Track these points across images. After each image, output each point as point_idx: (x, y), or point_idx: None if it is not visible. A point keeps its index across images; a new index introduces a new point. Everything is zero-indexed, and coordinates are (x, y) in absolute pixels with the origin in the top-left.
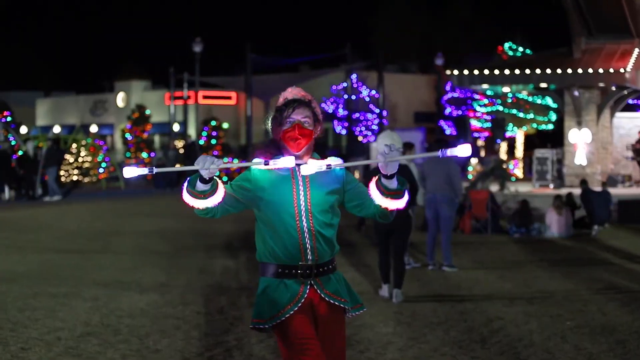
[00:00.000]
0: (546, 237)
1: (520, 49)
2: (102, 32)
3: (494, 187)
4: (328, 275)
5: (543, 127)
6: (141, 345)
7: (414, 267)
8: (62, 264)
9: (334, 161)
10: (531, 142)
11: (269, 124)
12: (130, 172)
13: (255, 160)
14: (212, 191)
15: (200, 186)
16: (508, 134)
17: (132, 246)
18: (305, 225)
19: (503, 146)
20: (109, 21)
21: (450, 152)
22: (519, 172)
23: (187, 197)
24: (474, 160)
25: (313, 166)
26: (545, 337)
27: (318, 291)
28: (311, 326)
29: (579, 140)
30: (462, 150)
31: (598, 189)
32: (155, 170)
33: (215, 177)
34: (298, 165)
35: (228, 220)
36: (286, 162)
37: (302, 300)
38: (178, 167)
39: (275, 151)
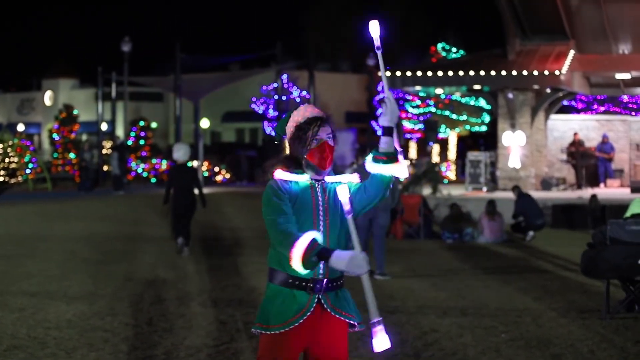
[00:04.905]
0: (479, 243)
1: (454, 49)
2: (30, 29)
3: (427, 191)
4: (335, 291)
5: (476, 129)
6: None
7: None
8: None
9: (350, 177)
10: (464, 144)
11: (287, 140)
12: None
13: None
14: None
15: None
16: (441, 136)
17: (60, 252)
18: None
19: (435, 148)
20: (37, 18)
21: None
22: (451, 174)
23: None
24: (405, 163)
25: (344, 193)
26: (479, 351)
27: (325, 306)
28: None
29: (513, 142)
30: (400, 171)
31: (531, 192)
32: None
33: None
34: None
35: (156, 223)
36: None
37: (308, 314)
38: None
39: (295, 166)
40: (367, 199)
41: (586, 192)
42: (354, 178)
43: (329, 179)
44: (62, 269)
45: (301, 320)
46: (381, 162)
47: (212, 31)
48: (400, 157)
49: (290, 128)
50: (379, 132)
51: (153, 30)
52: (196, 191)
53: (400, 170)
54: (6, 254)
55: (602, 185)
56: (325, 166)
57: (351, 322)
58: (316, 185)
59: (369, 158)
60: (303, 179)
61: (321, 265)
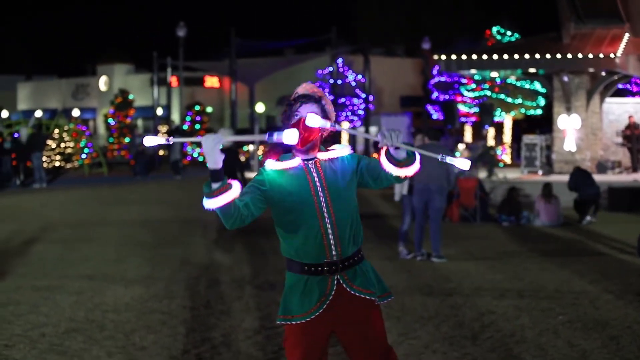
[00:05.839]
0: (535, 226)
1: (509, 33)
2: (85, 15)
3: (482, 174)
4: (354, 268)
5: (532, 112)
6: (127, 342)
7: (405, 259)
8: (45, 255)
9: (342, 150)
10: (519, 127)
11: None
12: (151, 141)
13: (258, 136)
14: (225, 187)
15: (213, 185)
16: (496, 119)
17: (117, 236)
18: (328, 222)
19: (491, 131)
20: (92, 3)
21: (450, 160)
22: (507, 158)
23: (205, 202)
24: (461, 146)
25: (317, 120)
26: (537, 333)
27: (345, 286)
28: (320, 347)
29: (568, 126)
30: (462, 163)
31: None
32: (172, 140)
33: (225, 179)
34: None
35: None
36: (289, 136)
37: (331, 298)
38: (190, 139)
39: (283, 148)
40: (376, 181)
41: None
42: (346, 150)
43: (321, 155)
44: (119, 252)
45: (324, 307)
46: (398, 167)
47: (267, 16)
48: (416, 157)
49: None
50: (435, 115)
51: (208, 15)
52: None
53: (415, 169)
54: (63, 238)
55: None
56: (300, 144)
57: (372, 298)
58: (309, 165)
59: (386, 162)
60: (294, 163)
61: (333, 246)
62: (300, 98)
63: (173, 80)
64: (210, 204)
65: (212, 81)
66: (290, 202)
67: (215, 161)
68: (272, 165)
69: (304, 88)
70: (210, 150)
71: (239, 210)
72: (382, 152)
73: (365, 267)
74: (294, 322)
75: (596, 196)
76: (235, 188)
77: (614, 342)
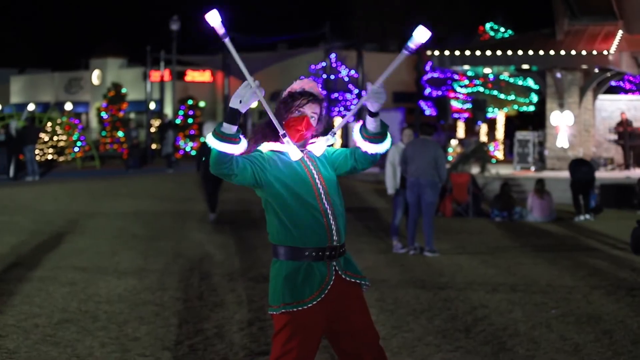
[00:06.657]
0: (528, 222)
1: (502, 29)
2: (79, 9)
3: (475, 170)
4: (344, 256)
5: (524, 108)
6: (120, 333)
7: (398, 253)
8: (38, 247)
9: (327, 141)
10: (512, 123)
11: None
12: (213, 17)
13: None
14: (235, 139)
15: (226, 127)
16: (489, 116)
17: (110, 228)
18: (328, 206)
19: (484, 128)
20: None
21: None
22: (499, 154)
23: (209, 139)
24: (454, 142)
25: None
26: (530, 326)
27: (340, 272)
28: (318, 336)
29: (561, 122)
30: (293, 152)
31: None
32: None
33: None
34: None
35: (204, 201)
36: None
37: (331, 283)
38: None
39: (274, 136)
40: (351, 165)
41: (634, 172)
42: (330, 141)
43: (310, 147)
44: (112, 245)
45: (327, 291)
46: (368, 141)
47: (260, 10)
48: (388, 136)
49: (284, 92)
50: (427, 111)
51: (201, 8)
52: None
53: (384, 148)
54: (56, 231)
55: None
56: (295, 138)
57: (363, 282)
58: (303, 155)
59: (358, 135)
60: (288, 149)
61: (334, 231)
62: (307, 94)
63: (155, 75)
64: (213, 142)
65: (193, 75)
66: (291, 187)
67: (241, 103)
68: (269, 147)
69: (309, 85)
70: (244, 89)
71: (232, 163)
72: (357, 126)
73: (349, 256)
74: (296, 309)
75: (588, 180)
76: (242, 145)
77: (607, 336)
